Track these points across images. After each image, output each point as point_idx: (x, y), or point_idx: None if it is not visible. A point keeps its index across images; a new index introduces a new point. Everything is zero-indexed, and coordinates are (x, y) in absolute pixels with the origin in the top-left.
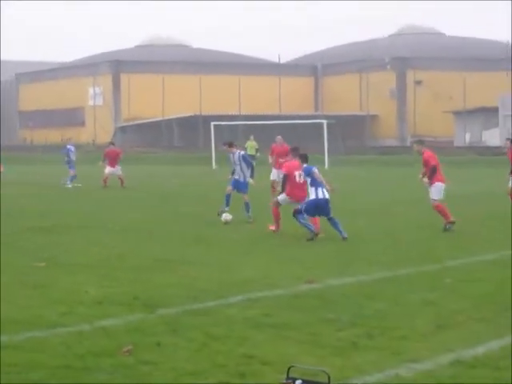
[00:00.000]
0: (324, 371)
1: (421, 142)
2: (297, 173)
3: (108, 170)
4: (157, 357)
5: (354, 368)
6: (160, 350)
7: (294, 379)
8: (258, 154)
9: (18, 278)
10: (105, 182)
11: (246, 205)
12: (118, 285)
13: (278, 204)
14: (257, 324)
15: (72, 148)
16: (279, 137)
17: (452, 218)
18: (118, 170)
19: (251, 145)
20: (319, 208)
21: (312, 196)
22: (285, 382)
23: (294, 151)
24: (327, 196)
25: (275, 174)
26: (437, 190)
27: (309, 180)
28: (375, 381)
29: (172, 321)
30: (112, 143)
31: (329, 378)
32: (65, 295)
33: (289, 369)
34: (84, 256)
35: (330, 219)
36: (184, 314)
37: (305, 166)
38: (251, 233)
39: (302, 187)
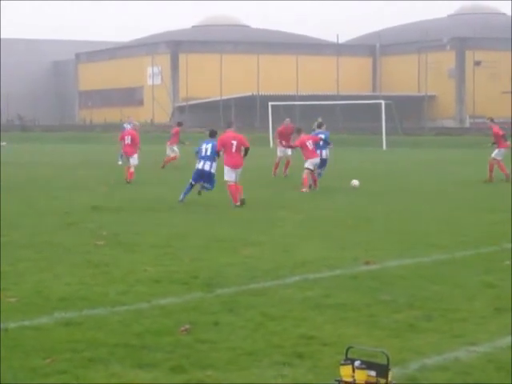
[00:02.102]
0: (383, 352)
1: (491, 120)
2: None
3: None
4: (214, 336)
5: (411, 350)
6: (217, 329)
7: (353, 360)
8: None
9: (83, 256)
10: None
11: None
12: (177, 264)
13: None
14: (315, 305)
15: (128, 126)
16: (288, 119)
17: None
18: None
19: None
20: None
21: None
22: (344, 362)
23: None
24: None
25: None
26: (500, 153)
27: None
28: (434, 363)
29: (230, 300)
30: (180, 123)
31: (388, 359)
32: (125, 274)
33: (347, 349)
34: (146, 236)
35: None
36: (242, 294)
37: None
38: (312, 215)
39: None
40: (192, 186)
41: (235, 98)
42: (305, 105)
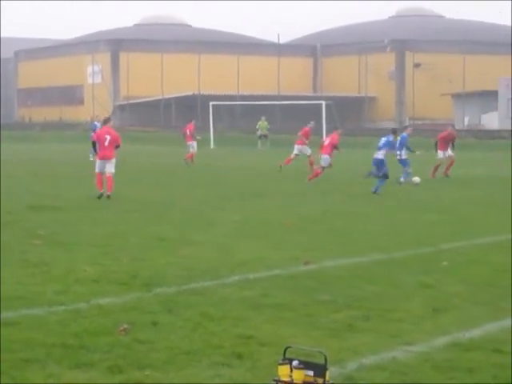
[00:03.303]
0: (321, 352)
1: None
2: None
3: None
4: (153, 336)
5: (349, 350)
6: (156, 329)
7: (291, 360)
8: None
9: (20, 256)
10: None
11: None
12: (116, 263)
13: None
14: (254, 304)
15: (98, 125)
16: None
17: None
18: None
19: (263, 125)
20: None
21: None
22: (281, 362)
23: None
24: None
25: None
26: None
27: None
28: (371, 363)
29: (169, 300)
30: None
31: (326, 358)
32: (63, 273)
33: (285, 349)
34: (84, 235)
35: None
36: (181, 294)
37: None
38: (252, 215)
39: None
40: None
41: (176, 98)
42: (246, 105)
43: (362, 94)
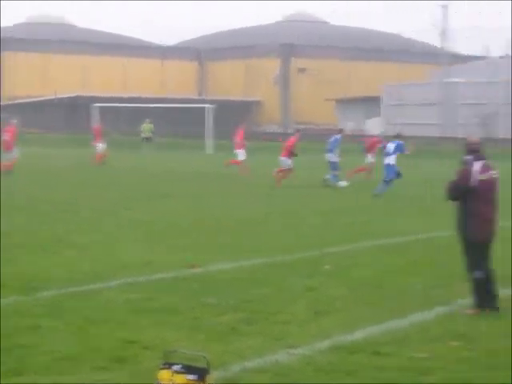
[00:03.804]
0: (203, 356)
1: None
2: None
3: None
4: (34, 340)
5: (233, 353)
6: (37, 334)
7: (172, 364)
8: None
9: None
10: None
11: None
12: None
13: None
14: (138, 308)
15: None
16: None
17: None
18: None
19: (147, 127)
20: None
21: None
22: (162, 366)
23: None
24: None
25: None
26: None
27: None
28: (254, 366)
29: (51, 303)
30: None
31: (207, 362)
32: None
33: (167, 353)
34: None
35: None
36: (63, 297)
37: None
38: (137, 218)
39: None
40: None
41: (60, 98)
42: (131, 107)
43: (248, 98)
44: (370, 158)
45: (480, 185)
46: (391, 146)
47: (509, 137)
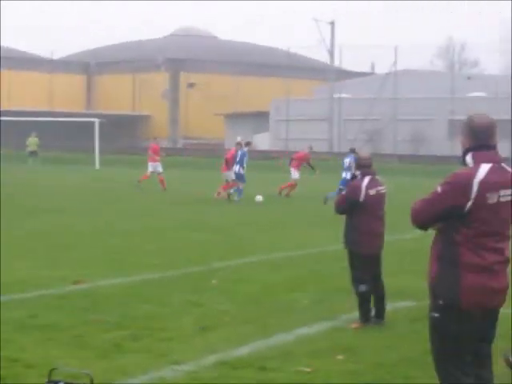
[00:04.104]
0: (87, 373)
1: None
2: None
3: None
4: None
5: (118, 370)
6: None
7: (56, 382)
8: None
9: None
10: None
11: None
12: None
13: None
14: (20, 326)
15: None
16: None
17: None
18: None
19: (33, 141)
20: None
21: None
22: None
23: None
24: None
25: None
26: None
27: None
28: (139, 383)
29: None
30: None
31: (91, 380)
32: None
33: (51, 371)
34: None
35: None
36: None
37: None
38: (20, 234)
39: None
40: None
41: None
42: (17, 120)
43: (136, 113)
44: (295, 174)
45: (368, 199)
46: (347, 161)
47: (394, 152)
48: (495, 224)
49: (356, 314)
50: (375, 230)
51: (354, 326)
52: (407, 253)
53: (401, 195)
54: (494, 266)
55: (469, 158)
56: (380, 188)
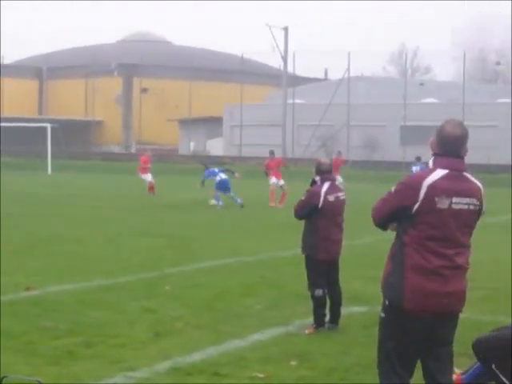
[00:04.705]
0: (37, 381)
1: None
2: None
3: None
4: None
5: (69, 377)
6: None
7: None
8: None
9: None
10: None
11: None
12: None
13: None
14: None
15: None
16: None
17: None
18: None
19: None
20: None
21: None
22: None
23: None
24: None
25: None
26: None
27: None
28: None
29: None
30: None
31: None
32: None
33: (1, 379)
34: None
35: None
36: None
37: None
38: None
39: None
40: None
41: None
42: None
43: (89, 118)
44: (275, 181)
45: (327, 205)
46: (415, 169)
47: (347, 158)
48: (445, 230)
49: (309, 319)
50: (333, 236)
51: (307, 331)
52: (361, 258)
53: (355, 201)
54: (440, 270)
55: (430, 162)
56: (339, 194)
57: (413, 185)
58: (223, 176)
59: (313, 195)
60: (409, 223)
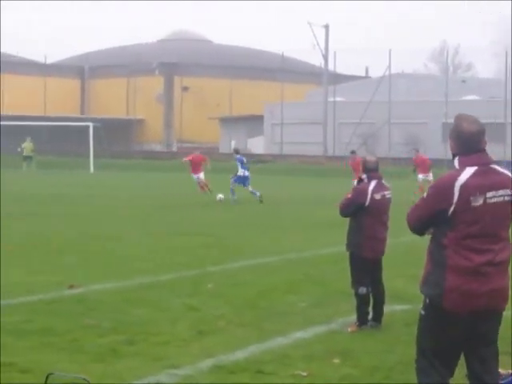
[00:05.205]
0: (84, 378)
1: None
2: None
3: None
4: None
5: (113, 375)
6: None
7: None
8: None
9: None
10: None
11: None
12: None
13: None
14: (15, 330)
15: None
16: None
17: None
18: None
19: (28, 146)
20: None
21: None
22: None
23: None
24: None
25: None
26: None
27: None
28: None
29: None
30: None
31: None
32: None
33: (47, 376)
34: None
35: None
36: None
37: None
38: (15, 239)
39: None
40: None
41: None
42: (11, 125)
43: (130, 117)
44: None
45: (374, 204)
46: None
47: (388, 156)
48: (483, 226)
49: (352, 317)
50: (379, 234)
51: (350, 329)
52: (404, 256)
53: (397, 198)
54: (481, 269)
55: (456, 162)
56: (386, 193)
57: (445, 187)
58: (247, 173)
59: (360, 193)
60: (446, 226)
